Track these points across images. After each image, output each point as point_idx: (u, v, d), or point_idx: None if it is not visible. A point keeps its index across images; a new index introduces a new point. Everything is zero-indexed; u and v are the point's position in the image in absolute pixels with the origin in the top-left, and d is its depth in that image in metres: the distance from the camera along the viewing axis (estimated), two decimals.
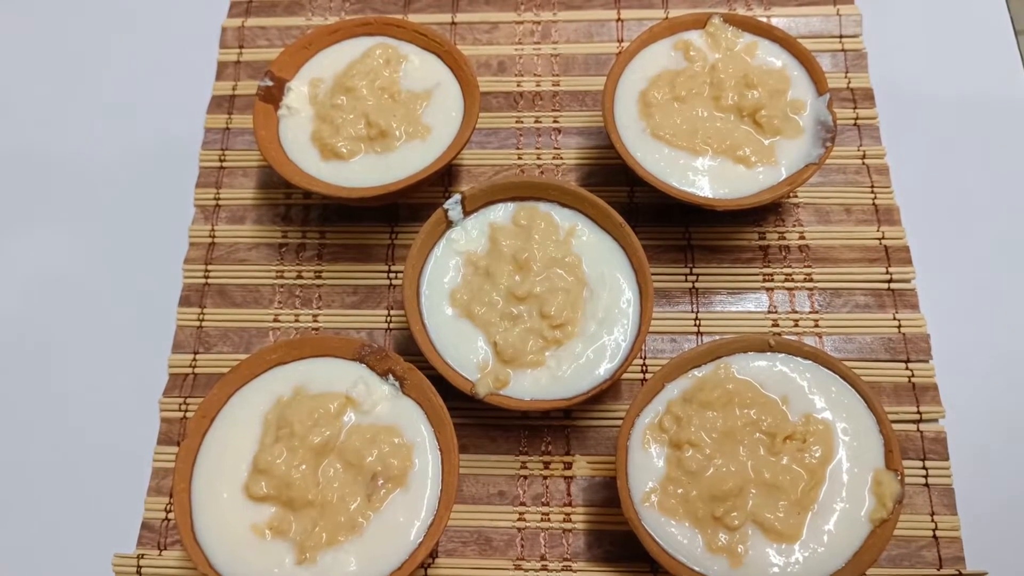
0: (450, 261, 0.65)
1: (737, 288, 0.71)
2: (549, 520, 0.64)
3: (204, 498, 0.57)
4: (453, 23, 0.83)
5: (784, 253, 0.72)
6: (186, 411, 0.68)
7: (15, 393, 0.71)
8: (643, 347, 0.67)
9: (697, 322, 0.70)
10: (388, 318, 0.71)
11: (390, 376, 0.60)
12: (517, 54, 0.81)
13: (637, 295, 0.62)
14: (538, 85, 0.80)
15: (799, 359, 0.59)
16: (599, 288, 0.63)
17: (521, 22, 0.83)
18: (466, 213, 0.66)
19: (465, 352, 0.61)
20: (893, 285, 0.70)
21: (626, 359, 0.60)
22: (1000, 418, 0.67)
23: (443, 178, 0.76)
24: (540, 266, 0.63)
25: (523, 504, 0.64)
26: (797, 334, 0.69)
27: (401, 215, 0.75)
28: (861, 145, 0.76)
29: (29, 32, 0.87)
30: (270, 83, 0.71)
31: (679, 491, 0.55)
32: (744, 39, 0.72)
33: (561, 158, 0.77)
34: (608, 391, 0.66)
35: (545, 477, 0.65)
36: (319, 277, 0.73)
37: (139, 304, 0.73)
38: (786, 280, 0.71)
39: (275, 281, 0.73)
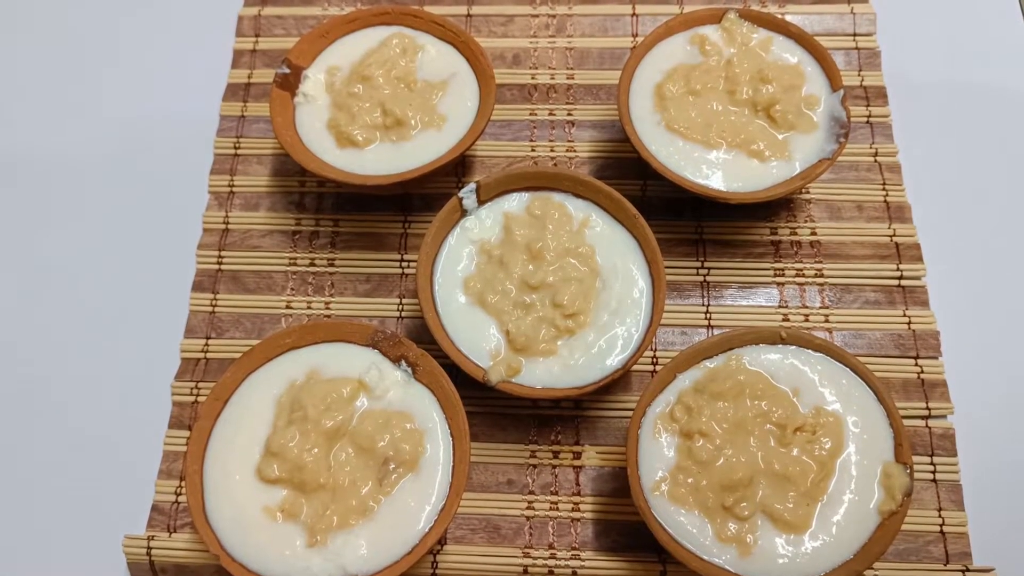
0: (464, 250, 0.65)
1: (748, 282, 0.71)
2: (558, 509, 0.64)
3: (216, 480, 0.57)
4: (469, 15, 0.83)
5: (796, 248, 0.72)
6: (197, 395, 0.69)
7: (28, 375, 0.71)
8: (654, 339, 0.68)
9: (708, 315, 0.70)
10: (400, 306, 0.71)
11: (403, 362, 0.60)
12: (532, 47, 0.82)
13: (650, 286, 0.63)
14: (552, 78, 0.80)
15: (810, 352, 0.59)
16: (612, 279, 0.63)
17: (536, 15, 0.83)
18: (480, 202, 0.66)
19: (477, 340, 0.62)
20: (904, 282, 0.71)
21: (638, 349, 0.60)
22: (1008, 415, 0.67)
23: (456, 168, 0.77)
24: (553, 256, 0.63)
25: (532, 493, 0.65)
26: (807, 329, 0.69)
27: (414, 205, 0.75)
28: (873, 143, 0.76)
29: (46, 17, 0.88)
30: (287, 70, 0.71)
31: (689, 480, 0.56)
32: (759, 34, 0.72)
33: (574, 151, 0.77)
34: (619, 382, 0.67)
35: (554, 467, 0.65)
36: (332, 265, 0.73)
37: (152, 288, 0.73)
38: (797, 275, 0.71)
39: (288, 268, 0.73)
